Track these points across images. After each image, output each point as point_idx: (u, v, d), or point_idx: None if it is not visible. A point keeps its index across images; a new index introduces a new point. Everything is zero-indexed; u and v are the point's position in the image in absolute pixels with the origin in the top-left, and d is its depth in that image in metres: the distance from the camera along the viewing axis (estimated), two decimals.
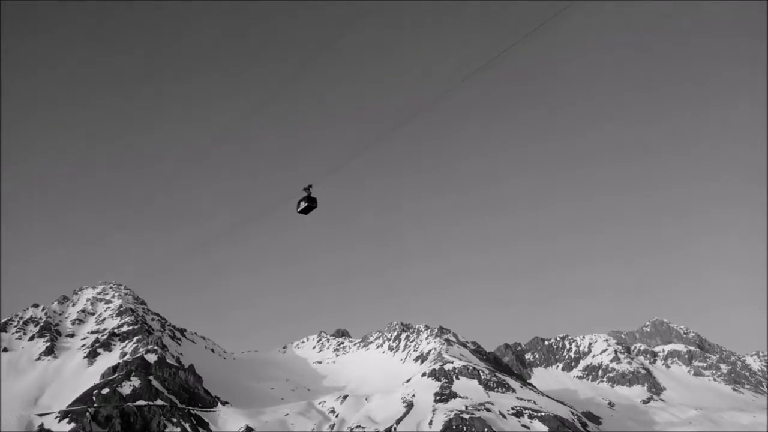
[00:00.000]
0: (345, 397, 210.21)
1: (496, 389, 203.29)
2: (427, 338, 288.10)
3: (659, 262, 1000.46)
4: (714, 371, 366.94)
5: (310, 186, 41.80)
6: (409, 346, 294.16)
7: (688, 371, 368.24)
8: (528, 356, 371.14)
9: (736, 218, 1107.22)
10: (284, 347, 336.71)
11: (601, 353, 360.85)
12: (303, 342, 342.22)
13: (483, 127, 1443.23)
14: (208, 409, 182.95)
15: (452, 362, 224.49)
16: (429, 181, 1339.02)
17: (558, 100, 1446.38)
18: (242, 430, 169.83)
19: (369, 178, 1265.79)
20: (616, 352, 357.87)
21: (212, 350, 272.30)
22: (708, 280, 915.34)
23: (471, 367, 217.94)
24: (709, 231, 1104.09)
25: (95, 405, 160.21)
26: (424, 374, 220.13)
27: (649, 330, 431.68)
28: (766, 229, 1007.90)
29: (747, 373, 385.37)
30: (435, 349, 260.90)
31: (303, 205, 42.14)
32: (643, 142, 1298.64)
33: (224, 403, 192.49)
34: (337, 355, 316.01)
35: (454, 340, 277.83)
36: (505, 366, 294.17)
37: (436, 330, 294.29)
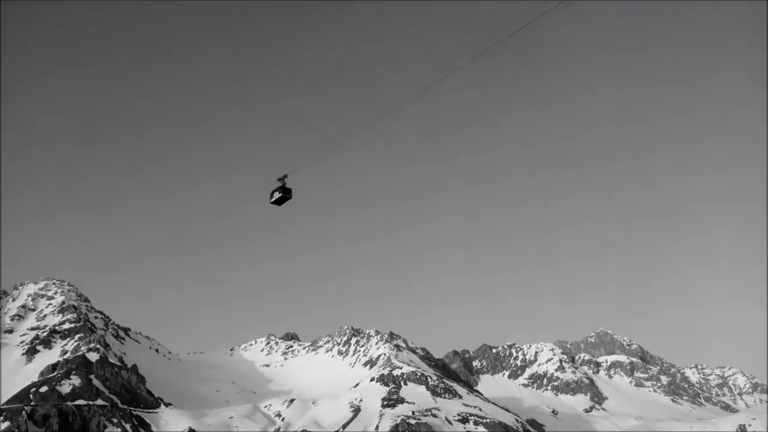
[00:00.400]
0: (292, 401, 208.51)
1: (443, 395, 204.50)
2: (377, 343, 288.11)
3: (608, 273, 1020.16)
4: (654, 382, 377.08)
5: (285, 176, 40.03)
6: (359, 351, 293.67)
7: (630, 382, 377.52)
8: (476, 363, 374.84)
9: (685, 230, 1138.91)
10: (231, 349, 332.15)
11: (546, 362, 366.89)
12: (251, 345, 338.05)
13: (426, 140, 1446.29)
14: (150, 410, 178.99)
15: (401, 368, 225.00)
16: (381, 186, 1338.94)
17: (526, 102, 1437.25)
18: None
19: (323, 181, 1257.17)
20: (561, 361, 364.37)
21: (157, 350, 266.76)
22: (653, 294, 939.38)
23: (419, 373, 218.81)
24: (660, 241, 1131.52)
25: (32, 403, 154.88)
26: (372, 379, 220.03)
27: (593, 341, 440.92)
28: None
29: (686, 385, 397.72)
30: (384, 354, 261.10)
31: (277, 195, 40.39)
32: (593, 149, 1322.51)
33: (167, 405, 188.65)
34: (286, 359, 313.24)
35: (403, 346, 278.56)
36: (453, 372, 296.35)
37: (386, 335, 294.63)
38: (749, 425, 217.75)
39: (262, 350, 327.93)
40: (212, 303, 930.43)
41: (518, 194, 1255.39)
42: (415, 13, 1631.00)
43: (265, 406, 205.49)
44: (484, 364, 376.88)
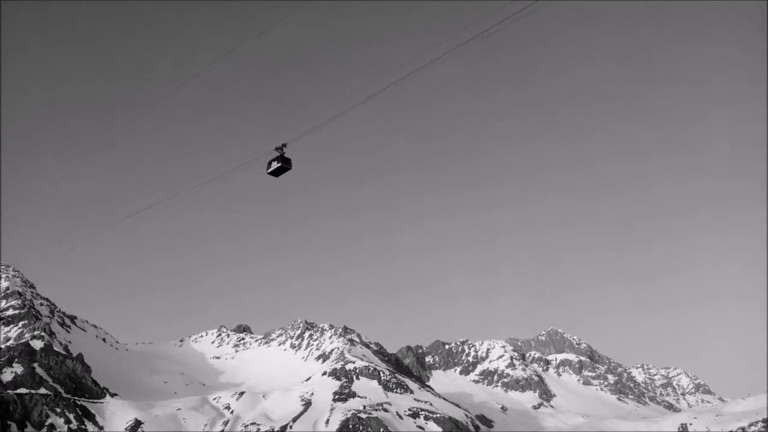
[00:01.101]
0: (242, 393, 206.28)
1: (395, 390, 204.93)
2: (330, 338, 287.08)
3: (560, 273, 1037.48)
4: (601, 381, 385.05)
5: (284, 145, 37.17)
6: (312, 344, 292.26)
7: (578, 380, 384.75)
8: (429, 359, 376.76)
9: (644, 235, 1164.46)
10: (181, 340, 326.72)
11: (497, 359, 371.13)
12: (202, 336, 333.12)
13: (382, 141, 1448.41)
14: (96, 401, 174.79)
15: (354, 362, 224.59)
16: (339, 174, 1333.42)
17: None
18: (130, 423, 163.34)
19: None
20: (512, 358, 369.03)
21: (104, 340, 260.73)
22: (605, 295, 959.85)
23: (372, 368, 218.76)
24: (617, 244, 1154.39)
25: None
26: (324, 373, 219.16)
27: (544, 339, 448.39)
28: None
29: (631, 384, 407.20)
30: (338, 348, 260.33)
31: (275, 165, 37.64)
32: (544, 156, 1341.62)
33: (113, 395, 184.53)
34: (237, 351, 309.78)
35: (357, 340, 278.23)
36: (406, 368, 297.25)
37: (340, 330, 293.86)
38: (690, 424, 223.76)
39: (213, 342, 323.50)
40: (162, 293, 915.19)
41: (475, 200, 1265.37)
42: None
43: (215, 399, 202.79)
44: (437, 359, 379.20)
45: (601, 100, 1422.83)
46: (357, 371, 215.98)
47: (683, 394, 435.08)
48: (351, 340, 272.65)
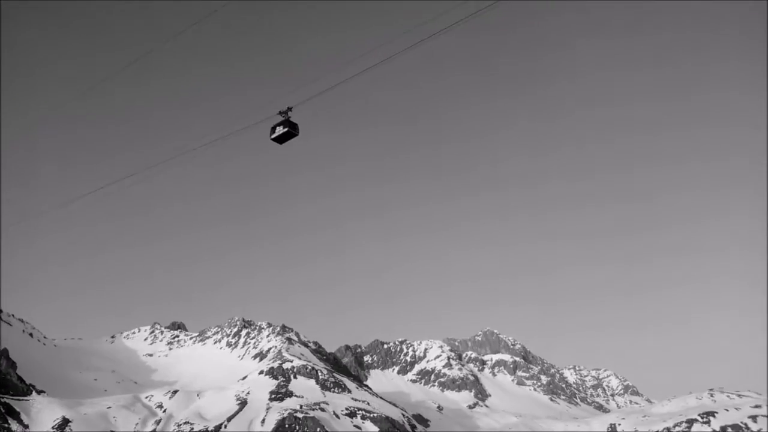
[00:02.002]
0: (175, 392, 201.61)
1: (332, 389, 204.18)
2: (268, 336, 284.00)
3: (499, 275, 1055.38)
4: (535, 381, 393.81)
5: (290, 109, 34.28)
6: (249, 343, 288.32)
7: (512, 380, 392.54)
8: (367, 358, 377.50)
9: (577, 231, 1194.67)
10: (113, 337, 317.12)
11: (435, 359, 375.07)
12: (134, 333, 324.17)
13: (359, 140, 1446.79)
14: (21, 398, 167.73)
15: (291, 361, 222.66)
16: (278, 167, 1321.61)
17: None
18: (58, 421, 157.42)
19: (212, 157, 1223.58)
20: (448, 358, 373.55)
21: (30, 335, 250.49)
22: (540, 295, 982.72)
23: (310, 367, 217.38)
24: (555, 243, 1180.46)
25: None
26: (261, 372, 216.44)
27: (480, 339, 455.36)
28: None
29: (563, 385, 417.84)
30: (275, 347, 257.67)
31: (281, 130, 34.69)
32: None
33: (39, 392, 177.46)
34: (171, 349, 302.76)
35: (295, 339, 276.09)
36: (344, 367, 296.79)
37: (278, 328, 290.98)
38: (619, 425, 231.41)
39: (146, 339, 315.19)
40: (94, 287, 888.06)
41: (417, 193, 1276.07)
42: None
43: (147, 397, 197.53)
44: (375, 359, 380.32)
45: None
46: (294, 370, 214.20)
47: (613, 395, 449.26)
48: (289, 339, 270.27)
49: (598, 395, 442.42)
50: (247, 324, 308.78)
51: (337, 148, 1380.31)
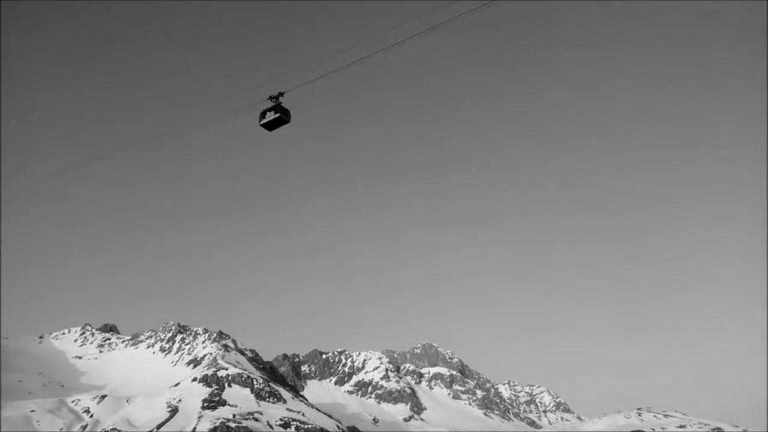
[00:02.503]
0: (103, 396, 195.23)
1: (267, 399, 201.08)
2: (204, 342, 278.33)
3: (444, 289, 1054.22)
4: (470, 396, 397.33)
5: (281, 94, 32.32)
6: (184, 349, 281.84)
7: (448, 394, 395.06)
8: (305, 368, 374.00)
9: (520, 256, 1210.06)
10: (41, 337, 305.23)
11: (373, 370, 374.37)
12: (63, 333, 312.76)
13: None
14: None
15: (227, 369, 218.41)
16: (216, 172, 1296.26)
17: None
18: None
19: (153, 158, 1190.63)
20: (387, 370, 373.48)
21: None
22: (480, 311, 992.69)
23: (245, 376, 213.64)
24: (503, 264, 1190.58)
25: None
26: (195, 379, 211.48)
27: (419, 352, 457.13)
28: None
29: (498, 400, 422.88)
30: (211, 354, 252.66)
31: (271, 116, 32.86)
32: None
33: None
34: (101, 352, 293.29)
35: (232, 346, 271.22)
36: (281, 376, 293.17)
37: (215, 335, 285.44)
38: None
39: (75, 341, 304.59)
40: (22, 284, 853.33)
41: (362, 200, 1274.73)
42: None
43: (73, 401, 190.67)
44: (313, 369, 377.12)
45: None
46: (229, 378, 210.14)
47: (545, 412, 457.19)
48: (225, 346, 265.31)
49: (531, 411, 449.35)
50: (182, 329, 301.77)
51: (296, 152, 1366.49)
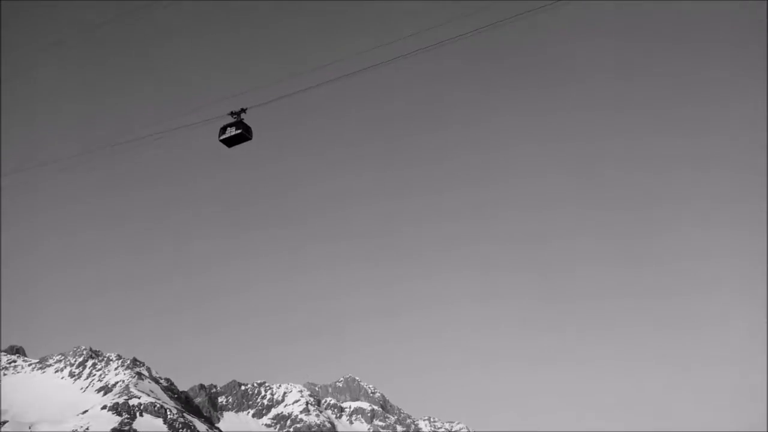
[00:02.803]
0: (4, 422, 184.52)
1: (180, 430, 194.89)
2: (116, 369, 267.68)
3: (366, 321, 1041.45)
4: (390, 431, 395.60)
5: (243, 110, 31.88)
6: (95, 374, 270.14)
7: (369, 429, 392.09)
8: (222, 399, 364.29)
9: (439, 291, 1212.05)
10: None
11: (293, 403, 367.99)
12: None
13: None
14: None
15: (139, 398, 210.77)
16: (157, 188, 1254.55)
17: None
18: None
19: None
20: (307, 403, 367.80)
21: None
22: (403, 346, 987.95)
23: (158, 405, 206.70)
24: (421, 302, 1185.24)
25: None
26: (104, 407, 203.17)
27: (341, 385, 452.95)
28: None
29: None
30: (123, 381, 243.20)
31: (232, 131, 32.13)
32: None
33: None
34: (5, 375, 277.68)
35: (146, 374, 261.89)
36: (196, 407, 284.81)
37: (128, 361, 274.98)
38: None
39: None
40: None
41: (279, 238, 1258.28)
42: None
43: None
44: (231, 400, 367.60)
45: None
46: (141, 407, 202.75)
47: None
48: (139, 374, 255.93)
49: None
50: (94, 354, 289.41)
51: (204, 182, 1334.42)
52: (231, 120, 32.52)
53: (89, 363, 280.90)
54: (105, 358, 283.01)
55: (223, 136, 32.73)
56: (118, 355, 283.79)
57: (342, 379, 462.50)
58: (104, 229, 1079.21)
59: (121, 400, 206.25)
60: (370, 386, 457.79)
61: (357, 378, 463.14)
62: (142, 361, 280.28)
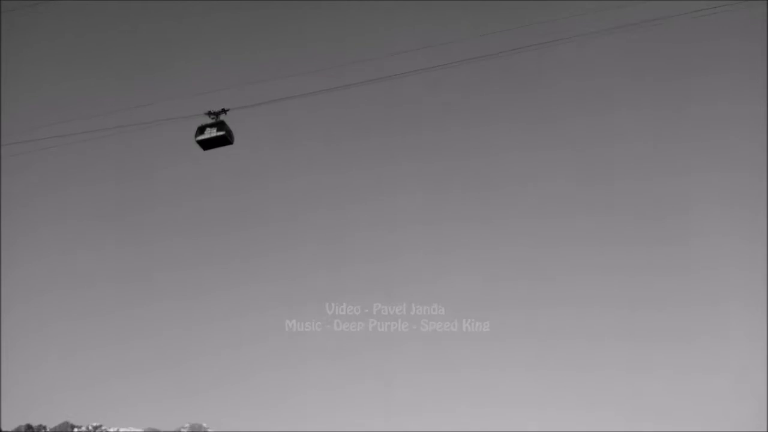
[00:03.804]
0: None
1: None
2: None
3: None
4: None
5: (224, 111, 27.97)
6: None
7: None
8: None
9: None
10: None
11: None
12: None
13: None
14: None
15: None
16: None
17: None
18: None
19: None
20: None
21: None
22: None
23: None
24: None
25: None
26: None
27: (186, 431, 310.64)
28: None
29: None
30: None
31: (212, 132, 27.88)
32: None
33: None
34: None
35: None
36: None
37: None
38: None
39: None
40: None
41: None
42: None
43: None
44: None
45: None
46: None
47: None
48: None
49: None
50: None
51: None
52: (209, 120, 28.87)
53: None
54: None
55: (201, 137, 28.83)
56: None
57: (187, 425, 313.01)
58: None
59: None
60: None
61: (204, 425, 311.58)
62: None
